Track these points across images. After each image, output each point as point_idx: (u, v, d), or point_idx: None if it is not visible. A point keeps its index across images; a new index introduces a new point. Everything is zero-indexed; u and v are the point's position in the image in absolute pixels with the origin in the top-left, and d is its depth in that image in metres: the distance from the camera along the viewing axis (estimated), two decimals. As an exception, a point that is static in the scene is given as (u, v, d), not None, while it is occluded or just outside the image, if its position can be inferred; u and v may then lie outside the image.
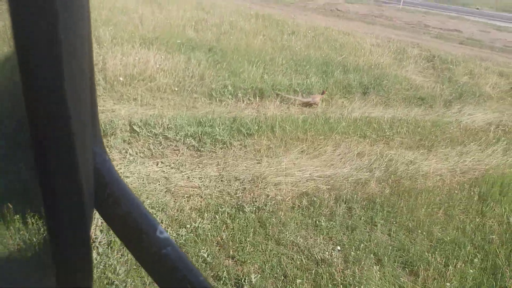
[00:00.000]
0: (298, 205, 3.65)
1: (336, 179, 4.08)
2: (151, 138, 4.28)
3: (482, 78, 8.60)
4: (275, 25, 10.98)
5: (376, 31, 13.09)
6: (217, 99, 5.73)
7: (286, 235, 3.26)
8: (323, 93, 6.17)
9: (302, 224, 3.44)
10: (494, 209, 3.87)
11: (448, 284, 2.81)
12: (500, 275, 2.96)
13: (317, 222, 3.47)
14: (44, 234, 0.31)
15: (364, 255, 3.13)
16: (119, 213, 0.35)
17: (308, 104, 5.91)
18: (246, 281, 2.74)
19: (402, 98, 6.93)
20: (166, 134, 4.31)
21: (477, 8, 26.58)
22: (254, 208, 3.46)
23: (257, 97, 5.98)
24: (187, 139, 4.33)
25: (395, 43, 10.90)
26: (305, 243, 3.23)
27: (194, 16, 10.13)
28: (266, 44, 8.78)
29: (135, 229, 0.35)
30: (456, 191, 4.17)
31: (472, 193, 4.16)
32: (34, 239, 0.34)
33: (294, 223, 3.42)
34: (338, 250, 3.22)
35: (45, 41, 0.24)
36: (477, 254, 3.18)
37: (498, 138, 5.60)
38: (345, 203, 3.73)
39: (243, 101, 5.83)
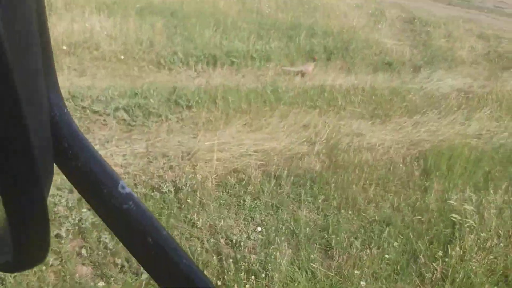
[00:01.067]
0: (225, 184, 3.45)
1: (273, 154, 3.86)
2: (78, 111, 4.02)
3: (460, 41, 8.21)
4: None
5: None
6: (166, 67, 5.42)
7: (205, 217, 3.08)
8: (314, 60, 5.86)
9: (225, 204, 3.25)
10: (435, 185, 3.67)
11: (357, 272, 2.64)
12: (416, 262, 2.79)
13: (241, 201, 3.28)
14: None
15: (283, 236, 2.96)
16: (79, 167, 0.33)
17: (301, 73, 5.58)
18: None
19: (368, 64, 6.61)
20: (94, 107, 4.05)
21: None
22: (174, 188, 3.25)
23: (211, 65, 5.67)
24: (118, 112, 4.07)
25: (376, 3, 10.40)
26: (224, 224, 3.05)
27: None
28: (233, 7, 8.33)
29: (96, 184, 0.34)
30: (400, 165, 3.96)
31: (416, 167, 3.96)
32: None
33: (216, 203, 3.23)
34: (259, 231, 3.05)
35: None
36: (399, 237, 3.00)
37: (459, 105, 5.33)
38: (275, 180, 3.52)
39: (194, 69, 5.53)
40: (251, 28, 7.10)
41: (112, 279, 2.47)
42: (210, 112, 4.37)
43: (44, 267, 2.41)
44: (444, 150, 4.20)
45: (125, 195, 0.34)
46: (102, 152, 3.53)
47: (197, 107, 4.41)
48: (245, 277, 2.56)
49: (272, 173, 3.56)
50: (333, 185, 3.50)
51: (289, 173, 3.59)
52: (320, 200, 3.35)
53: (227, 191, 3.37)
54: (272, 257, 2.71)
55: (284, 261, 2.67)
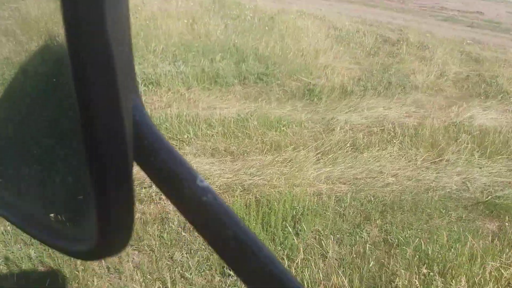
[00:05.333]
0: None
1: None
2: None
3: (439, 64, 6.81)
4: (227, 9, 9.90)
5: (366, 14, 11.37)
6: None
7: None
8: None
9: None
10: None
11: None
12: None
13: None
14: (87, 190, 0.29)
15: None
16: (158, 163, 0.34)
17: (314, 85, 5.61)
18: None
19: (284, 91, 5.62)
20: None
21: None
22: None
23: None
24: None
25: (363, 25, 9.28)
26: None
27: (130, 2, 9.42)
28: (181, 29, 7.82)
29: (175, 178, 0.34)
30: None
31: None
32: (75, 197, 0.33)
33: None
34: None
35: None
36: None
37: (344, 142, 4.16)
38: None
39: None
40: (172, 50, 6.50)
41: None
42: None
43: None
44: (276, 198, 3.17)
45: (203, 188, 0.35)
46: None
47: None
48: None
49: None
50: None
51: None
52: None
53: None
54: None
55: None
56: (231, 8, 10.00)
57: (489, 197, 3.59)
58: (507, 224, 3.26)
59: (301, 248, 2.83)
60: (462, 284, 2.52)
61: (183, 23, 8.20)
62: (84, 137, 0.27)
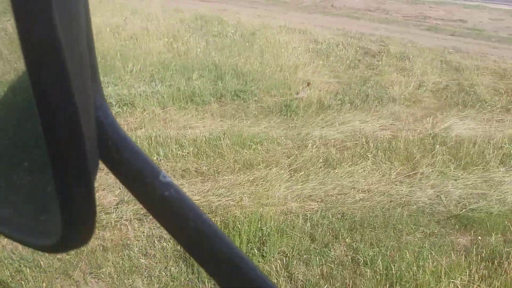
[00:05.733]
0: None
1: None
2: None
3: (417, 75, 6.79)
4: (210, 25, 9.93)
5: (350, 25, 11.43)
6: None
7: None
8: (308, 85, 6.15)
9: None
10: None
11: None
12: None
13: None
14: (49, 188, 0.31)
15: None
16: (123, 162, 0.36)
17: (301, 98, 5.77)
18: None
19: (261, 107, 5.58)
20: None
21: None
22: None
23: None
24: None
25: (345, 37, 9.31)
26: None
27: (113, 22, 9.44)
28: (161, 48, 7.81)
29: (139, 175, 0.36)
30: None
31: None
32: (39, 193, 0.34)
33: None
34: None
35: None
36: None
37: (316, 158, 4.09)
38: None
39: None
40: (157, 71, 6.47)
41: None
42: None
43: None
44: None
45: (165, 184, 0.36)
46: None
47: None
48: None
49: None
50: None
51: None
52: None
53: None
54: None
55: None
56: (214, 25, 10.03)
57: (463, 210, 3.53)
58: (479, 238, 3.19)
59: (265, 271, 2.74)
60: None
61: (163, 42, 8.21)
62: (44, 135, 0.27)
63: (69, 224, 0.31)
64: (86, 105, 0.30)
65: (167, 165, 4.01)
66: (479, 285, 2.64)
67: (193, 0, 13.65)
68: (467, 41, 10.23)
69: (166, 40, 8.29)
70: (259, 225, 3.13)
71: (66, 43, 0.25)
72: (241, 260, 0.37)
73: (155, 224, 3.16)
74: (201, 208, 0.36)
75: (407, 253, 2.94)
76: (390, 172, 4.06)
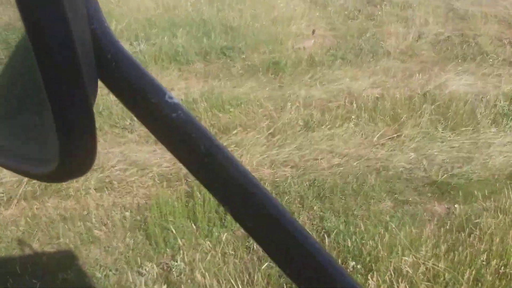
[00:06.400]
0: None
1: None
2: None
3: (418, 25, 6.35)
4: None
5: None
6: None
7: None
8: (313, 32, 6.01)
9: None
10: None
11: None
12: None
13: None
14: (47, 112, 0.28)
15: None
16: (124, 78, 0.33)
17: (304, 48, 5.66)
18: None
19: (248, 66, 5.32)
20: None
21: None
22: None
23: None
24: None
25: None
26: None
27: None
28: (151, 3, 7.46)
29: (142, 94, 0.33)
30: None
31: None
32: (36, 117, 0.32)
33: None
34: None
35: None
36: None
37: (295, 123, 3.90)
38: None
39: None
40: (142, 29, 6.20)
41: None
42: None
43: None
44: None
45: (173, 105, 0.33)
46: None
47: None
48: None
49: None
50: None
51: None
52: None
53: None
54: None
55: None
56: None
57: (444, 176, 3.34)
58: (456, 206, 3.03)
59: (223, 240, 2.68)
60: (387, 276, 2.34)
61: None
62: (36, 56, 0.25)
63: (68, 151, 0.29)
64: (79, 16, 0.27)
65: (141, 130, 3.89)
66: (445, 257, 2.51)
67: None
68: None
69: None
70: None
71: None
72: (255, 187, 0.33)
73: (117, 194, 3.10)
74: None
75: (374, 222, 2.81)
76: (373, 134, 3.86)
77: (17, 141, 0.35)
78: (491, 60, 5.20)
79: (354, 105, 4.14)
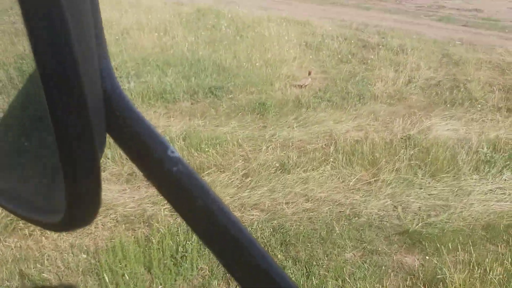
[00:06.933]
0: None
1: None
2: None
3: (410, 70, 6.36)
4: (206, 19, 9.69)
5: (357, 17, 10.96)
6: None
7: None
8: (309, 74, 6.07)
9: None
10: None
11: None
12: None
13: None
14: (54, 164, 0.29)
15: None
16: (131, 135, 0.34)
17: (301, 86, 5.85)
18: None
19: (235, 105, 5.33)
20: None
21: None
22: None
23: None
24: None
25: (347, 29, 8.90)
26: None
27: (108, 17, 9.35)
28: (150, 43, 7.65)
29: (147, 149, 0.34)
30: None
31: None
32: (46, 168, 0.34)
33: None
34: None
35: None
36: None
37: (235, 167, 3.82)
38: None
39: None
40: (135, 67, 6.32)
41: None
42: None
43: None
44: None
45: (174, 159, 0.34)
46: None
47: None
48: None
49: None
50: None
51: None
52: None
53: None
54: None
55: None
56: (210, 18, 9.79)
57: (418, 225, 3.20)
58: (427, 258, 2.86)
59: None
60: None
61: (153, 36, 8.06)
62: (48, 108, 0.26)
63: (74, 201, 0.30)
64: (92, 76, 0.29)
65: (113, 168, 3.85)
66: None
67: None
68: (478, 32, 9.61)
69: (156, 34, 8.13)
70: (184, 239, 2.92)
71: (70, 11, 0.24)
72: (249, 242, 0.35)
73: (77, 234, 3.01)
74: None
75: (342, 273, 2.66)
76: (350, 178, 3.75)
77: (23, 188, 0.36)
78: (479, 105, 5.13)
79: (332, 148, 4.06)
